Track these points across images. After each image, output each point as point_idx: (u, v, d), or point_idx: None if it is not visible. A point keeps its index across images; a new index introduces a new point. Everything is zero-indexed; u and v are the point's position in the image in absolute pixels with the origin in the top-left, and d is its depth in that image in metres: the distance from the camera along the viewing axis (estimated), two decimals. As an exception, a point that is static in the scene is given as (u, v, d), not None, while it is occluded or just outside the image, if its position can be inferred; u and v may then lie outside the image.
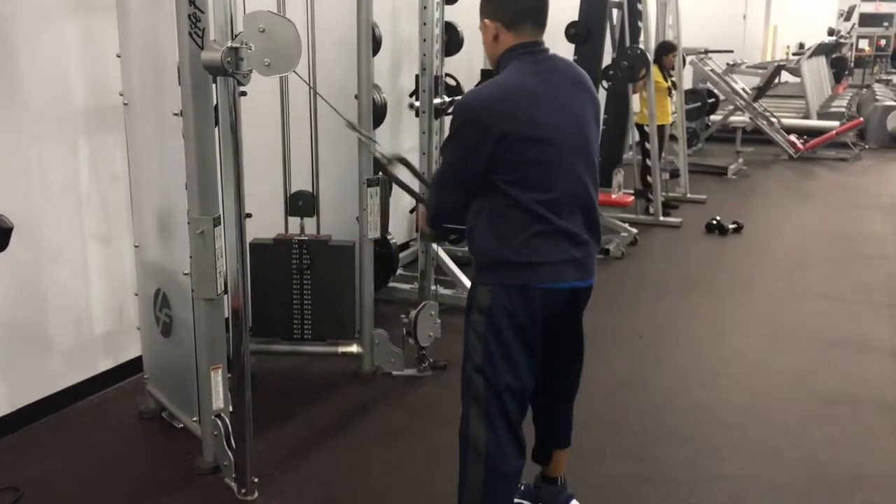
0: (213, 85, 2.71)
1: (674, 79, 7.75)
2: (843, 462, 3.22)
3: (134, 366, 3.71)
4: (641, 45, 7.04)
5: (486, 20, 2.26)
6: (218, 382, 2.98)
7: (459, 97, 2.23)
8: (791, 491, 3.01)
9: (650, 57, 6.98)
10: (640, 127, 7.48)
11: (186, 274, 2.91)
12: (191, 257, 2.87)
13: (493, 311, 2.26)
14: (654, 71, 7.09)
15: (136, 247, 3.39)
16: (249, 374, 2.91)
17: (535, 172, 2.19)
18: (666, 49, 7.54)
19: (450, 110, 2.43)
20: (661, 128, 7.35)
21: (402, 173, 2.93)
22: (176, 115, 2.80)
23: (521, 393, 2.33)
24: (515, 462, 2.35)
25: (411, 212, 5.47)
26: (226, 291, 2.85)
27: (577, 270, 2.30)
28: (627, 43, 6.88)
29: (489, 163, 2.17)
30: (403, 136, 5.74)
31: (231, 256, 2.78)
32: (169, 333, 3.22)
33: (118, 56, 3.20)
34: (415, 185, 3.09)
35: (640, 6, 6.91)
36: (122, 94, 3.25)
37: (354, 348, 3.94)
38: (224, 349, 2.99)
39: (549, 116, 2.20)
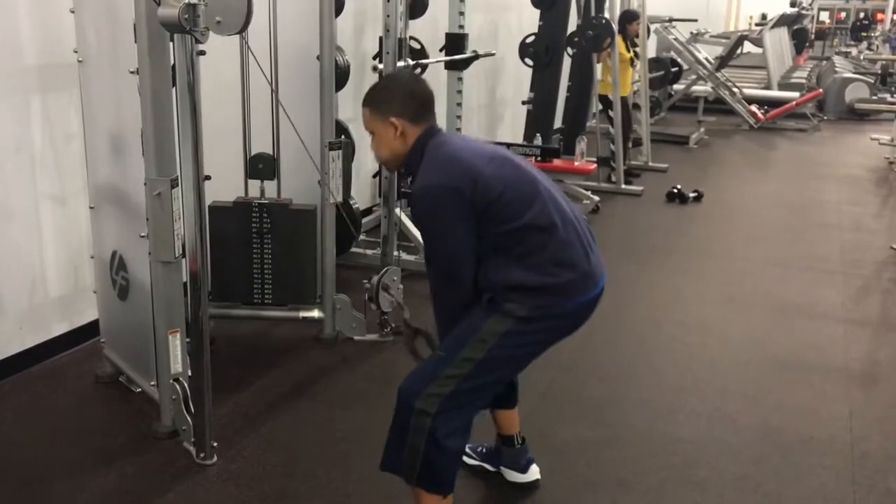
0: (171, 43, 2.65)
1: (637, 49, 7.75)
2: (796, 426, 3.29)
3: (90, 329, 3.65)
4: (606, 15, 7.02)
5: (391, 119, 2.31)
6: (176, 346, 2.95)
7: (412, 194, 2.27)
8: (745, 454, 3.07)
9: (615, 27, 6.96)
10: (602, 97, 7.50)
11: (143, 236, 2.86)
12: (147, 219, 2.82)
13: (527, 325, 2.28)
14: (618, 41, 7.08)
15: (91, 208, 3.32)
16: (208, 338, 2.88)
17: (515, 196, 2.25)
18: (629, 18, 7.53)
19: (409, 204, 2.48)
20: (622, 98, 7.36)
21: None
22: (132, 73, 2.73)
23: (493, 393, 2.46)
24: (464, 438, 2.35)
25: (374, 177, 5.43)
26: (184, 255, 2.81)
27: (599, 269, 2.47)
28: (592, 12, 6.85)
29: (479, 217, 2.22)
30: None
31: (189, 219, 2.74)
32: (126, 297, 3.17)
33: (72, 11, 3.10)
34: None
35: (605, -27, 6.88)
36: (76, 52, 3.16)
37: (316, 313, 3.92)
38: (182, 313, 2.95)
39: (489, 152, 2.34)
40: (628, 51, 7.49)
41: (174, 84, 2.73)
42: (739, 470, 2.96)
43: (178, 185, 2.78)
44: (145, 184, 2.79)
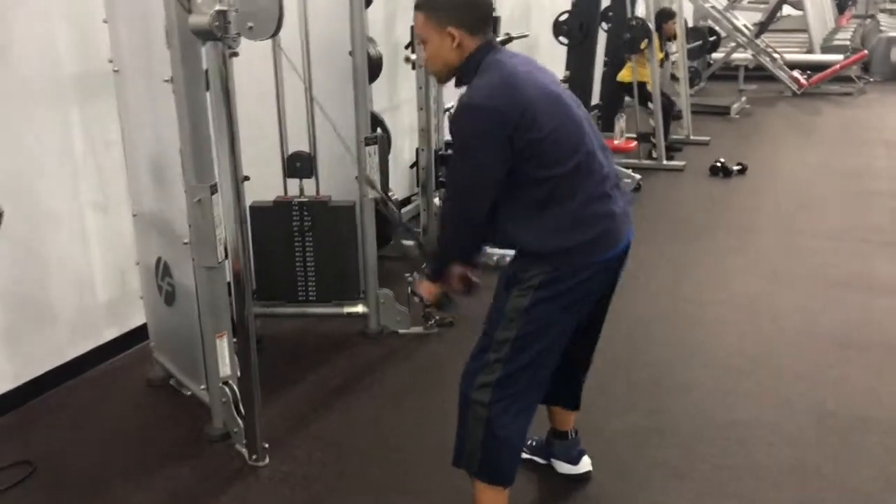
0: (203, 48, 2.65)
1: (671, 50, 7.65)
2: (853, 407, 3.21)
3: (140, 333, 3.71)
4: (640, 8, 6.91)
5: (449, 28, 2.18)
6: (223, 349, 2.97)
7: (456, 111, 2.17)
8: (801, 438, 3.01)
9: (651, 26, 6.86)
10: (623, 85, 7.37)
11: (186, 242, 2.88)
12: (190, 226, 2.83)
13: (545, 288, 2.20)
14: (654, 40, 6.97)
15: (134, 216, 3.35)
16: (255, 338, 2.90)
17: (561, 140, 2.15)
18: (666, 16, 7.40)
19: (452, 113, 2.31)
20: (641, 85, 7.20)
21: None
22: (166, 81, 2.74)
23: (552, 364, 2.33)
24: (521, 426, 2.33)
25: (411, 167, 5.41)
26: (227, 257, 2.82)
27: (625, 224, 2.28)
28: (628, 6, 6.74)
29: (517, 153, 2.12)
30: (400, 89, 5.65)
31: (230, 222, 2.74)
32: (172, 302, 3.20)
33: (105, 21, 3.12)
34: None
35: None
36: (111, 61, 3.18)
37: (360, 308, 3.92)
38: (228, 316, 2.97)
39: (547, 85, 2.21)
40: (661, 50, 7.38)
41: (208, 88, 2.73)
42: (796, 454, 2.90)
43: (217, 191, 2.79)
44: (186, 191, 2.80)
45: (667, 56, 7.68)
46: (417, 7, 2.23)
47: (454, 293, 2.40)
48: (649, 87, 7.18)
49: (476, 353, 2.31)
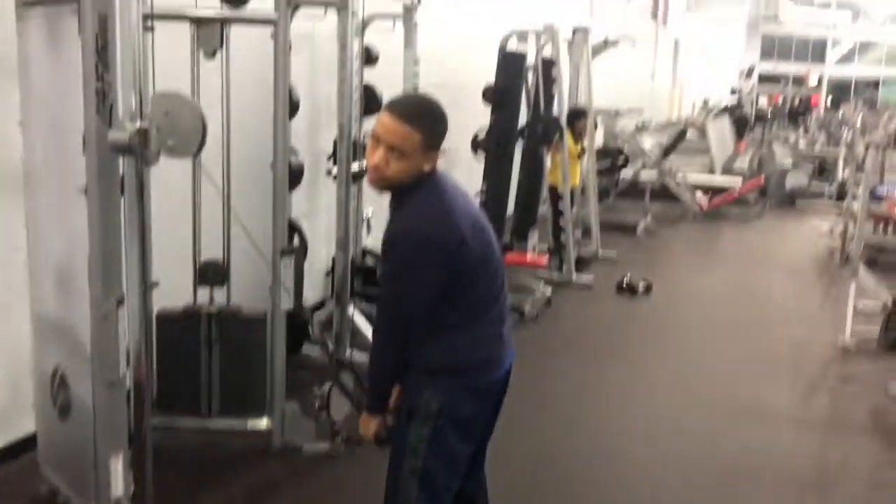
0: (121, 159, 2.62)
1: (584, 144, 7.97)
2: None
3: (29, 443, 3.50)
4: (555, 111, 7.20)
5: (434, 153, 2.22)
6: (118, 468, 2.83)
7: (402, 223, 2.20)
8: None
9: (563, 123, 7.15)
10: (552, 189, 7.62)
11: (87, 355, 2.77)
12: (92, 338, 2.73)
13: (443, 415, 2.26)
14: (567, 136, 7.26)
15: (34, 322, 3.22)
16: (151, 455, 2.78)
17: (483, 270, 2.26)
18: (577, 115, 7.76)
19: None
20: (571, 190, 7.49)
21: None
22: (80, 190, 2.68)
23: (455, 490, 2.38)
24: None
25: (327, 275, 5.40)
26: (129, 366, 2.73)
27: (509, 345, 2.40)
28: (542, 108, 7.01)
29: (450, 275, 2.18)
30: (319, 196, 5.69)
31: (134, 331, 2.67)
32: (67, 415, 3.05)
33: (19, 124, 3.06)
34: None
35: (554, 71, 7.07)
36: (22, 163, 3.11)
37: (264, 423, 3.82)
38: (125, 432, 2.85)
39: (475, 216, 2.31)
40: (576, 145, 7.68)
41: (122, 194, 2.68)
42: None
43: (124, 303, 2.72)
44: (91, 303, 2.72)
45: (583, 151, 7.97)
46: (411, 122, 2.16)
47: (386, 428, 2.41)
48: (560, 190, 7.39)
49: (389, 497, 2.34)
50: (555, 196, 7.55)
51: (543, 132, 6.99)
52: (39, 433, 3.32)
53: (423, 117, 2.20)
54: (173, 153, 2.50)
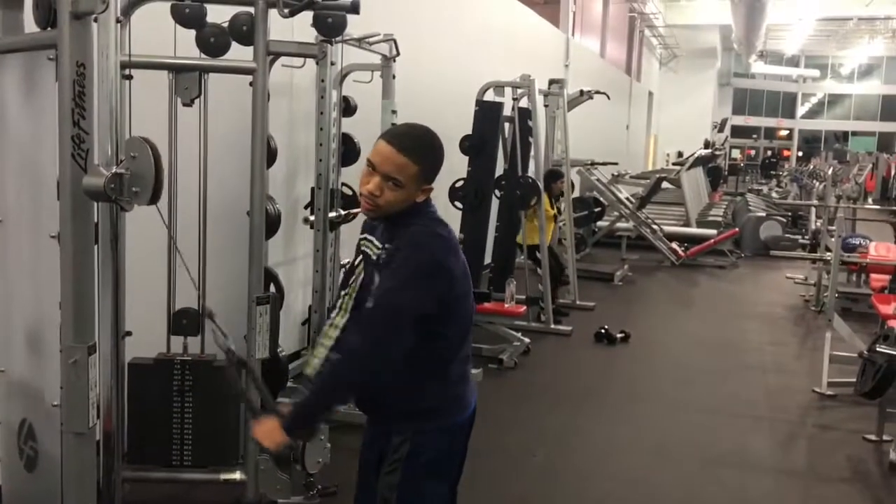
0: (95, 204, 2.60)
1: (559, 205, 8.05)
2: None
3: (-8, 497, 3.40)
4: (532, 166, 7.26)
5: (429, 185, 2.22)
6: (86, 524, 2.75)
7: (412, 238, 2.16)
8: None
9: (541, 185, 7.22)
10: (529, 247, 7.65)
11: (56, 405, 2.71)
12: (62, 387, 2.68)
13: (414, 462, 2.22)
14: (544, 198, 7.32)
15: (0, 371, 3.15)
16: (121, 510, 2.71)
17: (463, 306, 2.25)
18: (554, 177, 7.87)
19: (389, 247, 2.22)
20: (532, 247, 7.54)
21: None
22: (53, 237, 2.66)
23: None
24: None
25: (303, 324, 5.35)
26: (98, 417, 2.66)
27: (474, 388, 2.38)
28: (519, 160, 7.07)
29: (439, 306, 2.16)
30: (296, 245, 5.67)
31: (105, 380, 2.61)
32: (33, 468, 2.97)
33: (-7, 170, 3.03)
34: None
35: (530, 122, 7.16)
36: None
37: (237, 475, 3.73)
38: (94, 486, 2.77)
39: (461, 254, 2.29)
40: (552, 207, 7.78)
41: (97, 242, 2.66)
42: None
43: (95, 351, 2.67)
44: (61, 350, 2.67)
45: (559, 212, 8.04)
46: (409, 154, 2.13)
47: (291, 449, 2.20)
48: (537, 252, 7.44)
49: None
50: (532, 251, 7.59)
51: (521, 197, 7.04)
52: (5, 486, 3.22)
53: (422, 149, 2.19)
54: (138, 199, 2.47)
